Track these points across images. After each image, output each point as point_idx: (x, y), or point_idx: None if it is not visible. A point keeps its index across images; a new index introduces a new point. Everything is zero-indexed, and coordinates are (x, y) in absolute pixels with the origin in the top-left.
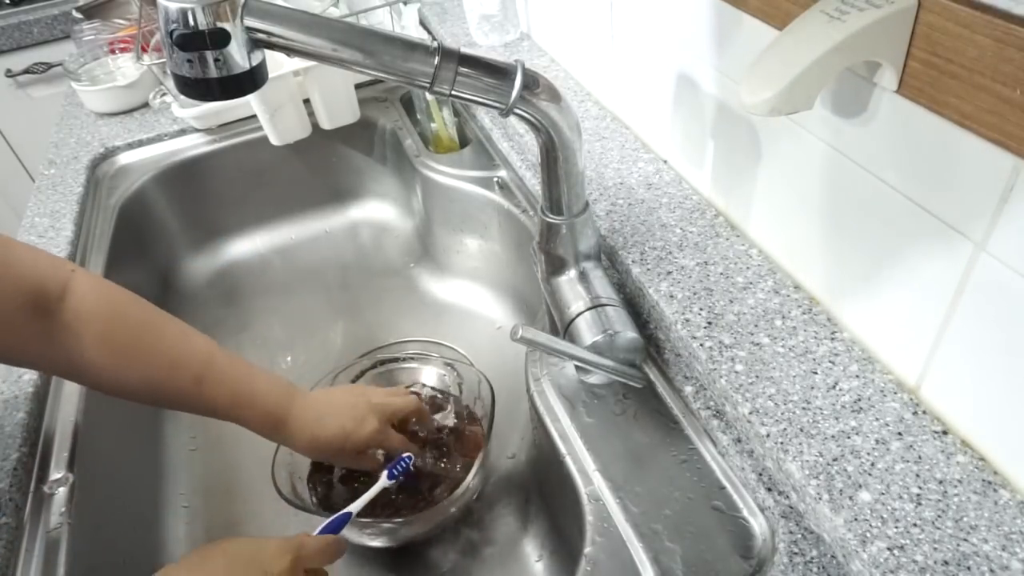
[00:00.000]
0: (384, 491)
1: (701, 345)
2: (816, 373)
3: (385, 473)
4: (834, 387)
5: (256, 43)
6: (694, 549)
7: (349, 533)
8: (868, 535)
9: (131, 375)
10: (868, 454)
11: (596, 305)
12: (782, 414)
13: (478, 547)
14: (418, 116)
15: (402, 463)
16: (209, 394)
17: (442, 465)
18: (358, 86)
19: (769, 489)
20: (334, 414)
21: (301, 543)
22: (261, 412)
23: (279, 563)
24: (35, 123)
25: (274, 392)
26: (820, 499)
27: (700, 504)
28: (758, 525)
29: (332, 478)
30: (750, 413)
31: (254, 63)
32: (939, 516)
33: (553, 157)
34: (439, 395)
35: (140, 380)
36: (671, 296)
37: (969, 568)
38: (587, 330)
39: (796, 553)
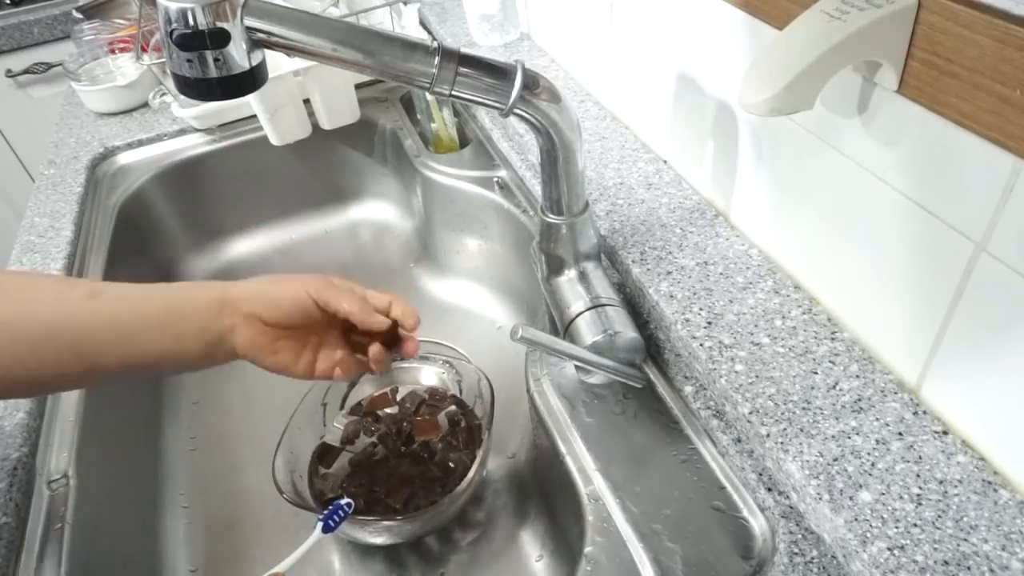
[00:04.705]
0: (383, 487)
1: (701, 345)
2: (816, 373)
3: (320, 526)
4: (834, 387)
5: (256, 43)
6: (694, 549)
7: (350, 530)
8: (868, 535)
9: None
10: (868, 454)
11: (596, 305)
12: (782, 414)
13: (478, 546)
14: (418, 116)
15: (339, 513)
16: (112, 303)
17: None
18: (358, 86)
19: (769, 489)
20: (276, 277)
21: None
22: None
23: None
24: (35, 123)
25: (193, 287)
26: (820, 499)
27: (700, 504)
28: (758, 525)
29: (333, 478)
30: (750, 413)
31: (254, 63)
32: (939, 516)
33: (553, 157)
34: (438, 395)
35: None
36: (671, 296)
37: (969, 568)
38: (587, 330)
39: (796, 553)
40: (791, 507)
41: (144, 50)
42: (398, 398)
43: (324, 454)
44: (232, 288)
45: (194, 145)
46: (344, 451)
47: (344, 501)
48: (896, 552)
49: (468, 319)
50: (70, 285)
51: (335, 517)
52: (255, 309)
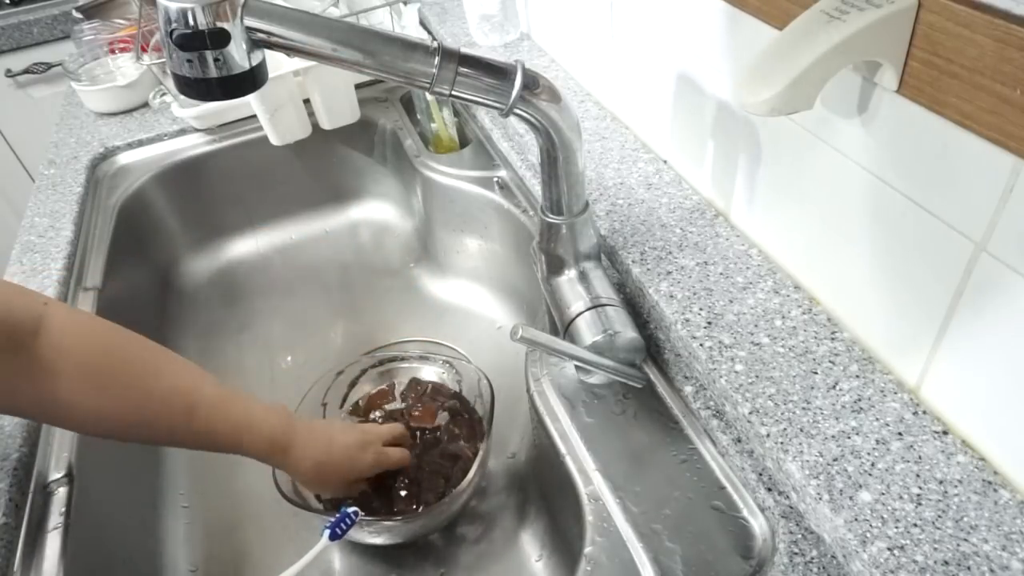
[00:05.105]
0: (386, 487)
1: (701, 345)
2: (816, 373)
3: (327, 532)
4: (834, 387)
5: (256, 43)
6: (694, 549)
7: (351, 530)
8: (868, 535)
9: (116, 410)
10: (868, 454)
11: (596, 305)
12: (782, 414)
13: (478, 546)
14: (418, 116)
15: (346, 520)
16: (204, 424)
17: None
18: (358, 86)
19: (769, 489)
20: (339, 436)
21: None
22: (262, 437)
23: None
24: (35, 123)
25: (272, 416)
26: (820, 499)
27: (700, 504)
28: (758, 525)
29: None
30: (750, 413)
31: (254, 63)
32: (939, 516)
33: (553, 157)
34: (436, 390)
35: (127, 415)
36: (671, 296)
37: (969, 568)
38: (587, 330)
39: (796, 553)
40: (791, 507)
41: (144, 50)
42: (398, 392)
43: None
44: (296, 468)
45: (194, 145)
46: None
47: (351, 509)
48: (896, 552)
49: (468, 319)
50: (183, 408)
51: (342, 525)
52: (312, 489)
